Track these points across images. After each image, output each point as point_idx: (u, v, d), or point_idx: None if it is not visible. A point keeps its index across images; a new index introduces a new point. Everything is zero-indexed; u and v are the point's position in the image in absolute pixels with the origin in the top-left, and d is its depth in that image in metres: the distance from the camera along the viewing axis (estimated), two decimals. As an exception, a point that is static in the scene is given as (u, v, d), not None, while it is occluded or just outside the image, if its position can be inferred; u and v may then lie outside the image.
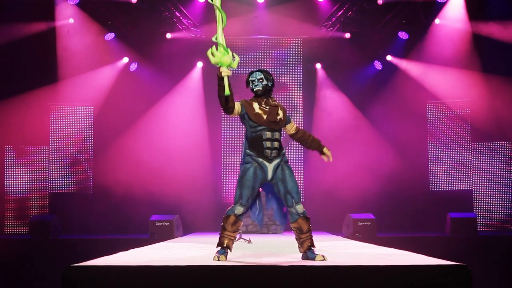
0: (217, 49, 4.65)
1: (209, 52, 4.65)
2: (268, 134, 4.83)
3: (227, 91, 4.60)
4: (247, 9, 12.25)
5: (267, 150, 4.83)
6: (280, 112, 4.92)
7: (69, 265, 4.11)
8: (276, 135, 4.87)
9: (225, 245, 4.80)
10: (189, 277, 4.04)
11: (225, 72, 4.61)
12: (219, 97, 4.70)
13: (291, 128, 5.08)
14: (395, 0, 11.85)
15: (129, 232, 11.83)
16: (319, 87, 13.05)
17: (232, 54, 4.68)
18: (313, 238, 4.89)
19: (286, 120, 5.01)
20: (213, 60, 4.64)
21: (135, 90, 12.60)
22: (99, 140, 12.57)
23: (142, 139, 12.55)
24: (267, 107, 4.88)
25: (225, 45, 4.64)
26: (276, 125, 4.87)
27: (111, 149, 12.36)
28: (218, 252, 4.77)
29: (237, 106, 4.82)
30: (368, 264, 4.24)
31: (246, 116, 4.86)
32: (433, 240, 10.30)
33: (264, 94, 4.94)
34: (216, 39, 4.66)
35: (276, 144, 4.86)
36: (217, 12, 4.69)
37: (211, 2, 4.71)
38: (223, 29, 4.68)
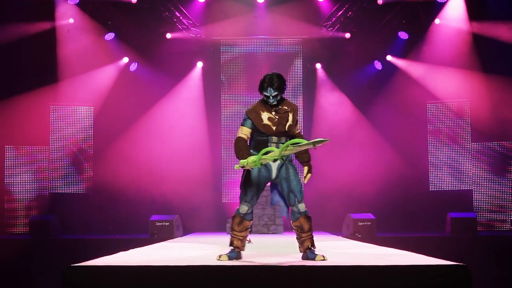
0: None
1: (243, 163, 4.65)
2: (274, 139, 4.81)
3: (236, 167, 4.73)
4: (247, 9, 12.26)
5: (272, 151, 4.83)
6: (290, 116, 4.84)
7: (69, 265, 4.12)
8: (283, 139, 4.83)
9: (234, 245, 4.88)
10: (189, 277, 4.05)
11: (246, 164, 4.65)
12: (235, 149, 4.82)
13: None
14: (395, 0, 11.86)
15: (129, 232, 11.82)
16: (319, 87, 13.04)
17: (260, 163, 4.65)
18: (313, 238, 4.89)
19: (296, 121, 4.91)
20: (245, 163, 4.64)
21: (135, 90, 12.60)
22: (99, 140, 12.57)
23: (142, 139, 12.55)
24: (277, 116, 4.80)
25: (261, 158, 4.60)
26: (285, 134, 4.82)
27: (111, 149, 12.36)
28: (229, 252, 4.85)
29: (247, 130, 4.82)
30: (368, 264, 4.24)
31: (255, 127, 4.81)
32: (433, 240, 10.30)
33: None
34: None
35: (281, 146, 4.83)
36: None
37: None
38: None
